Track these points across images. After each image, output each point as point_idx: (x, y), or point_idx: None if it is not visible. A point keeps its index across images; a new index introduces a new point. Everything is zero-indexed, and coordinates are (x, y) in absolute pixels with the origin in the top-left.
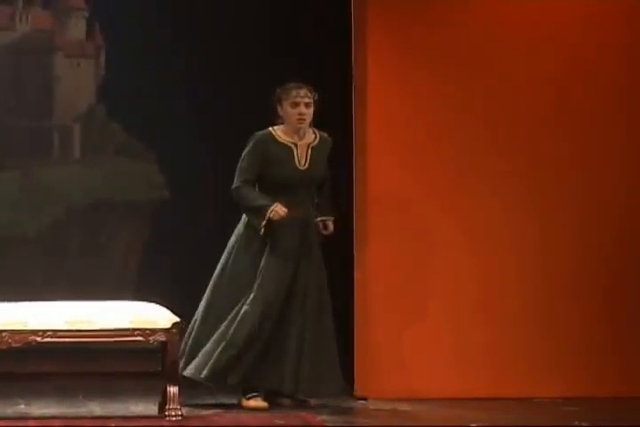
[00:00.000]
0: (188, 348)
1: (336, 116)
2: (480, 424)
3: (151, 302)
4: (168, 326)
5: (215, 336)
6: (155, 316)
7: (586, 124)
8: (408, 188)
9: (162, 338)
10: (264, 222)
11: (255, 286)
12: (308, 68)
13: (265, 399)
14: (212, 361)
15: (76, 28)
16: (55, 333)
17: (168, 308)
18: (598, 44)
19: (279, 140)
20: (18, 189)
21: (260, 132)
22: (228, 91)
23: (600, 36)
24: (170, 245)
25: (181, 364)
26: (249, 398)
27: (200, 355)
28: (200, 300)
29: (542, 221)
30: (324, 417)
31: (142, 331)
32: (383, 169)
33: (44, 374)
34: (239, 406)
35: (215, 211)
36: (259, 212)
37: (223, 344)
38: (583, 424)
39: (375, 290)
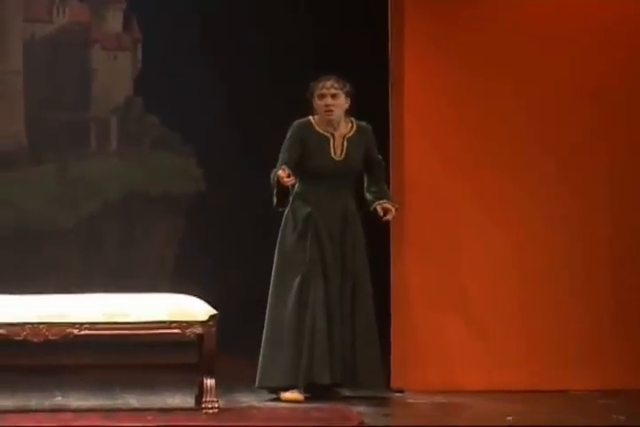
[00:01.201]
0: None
1: (372, 106)
2: (516, 417)
3: (188, 294)
4: (205, 318)
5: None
6: (191, 308)
7: (623, 120)
8: (443, 176)
9: (198, 330)
10: (275, 190)
11: (311, 286)
12: (346, 59)
13: (302, 392)
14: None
15: (113, 20)
16: (92, 325)
17: (204, 300)
18: None
19: (317, 129)
20: (55, 181)
21: (300, 120)
22: (267, 84)
23: None
24: (206, 237)
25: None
26: (286, 390)
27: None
28: (236, 292)
29: (578, 207)
30: (361, 409)
31: (179, 323)
32: (419, 158)
33: (81, 367)
34: (276, 398)
35: (252, 203)
36: (273, 182)
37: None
38: (620, 418)
39: (412, 280)
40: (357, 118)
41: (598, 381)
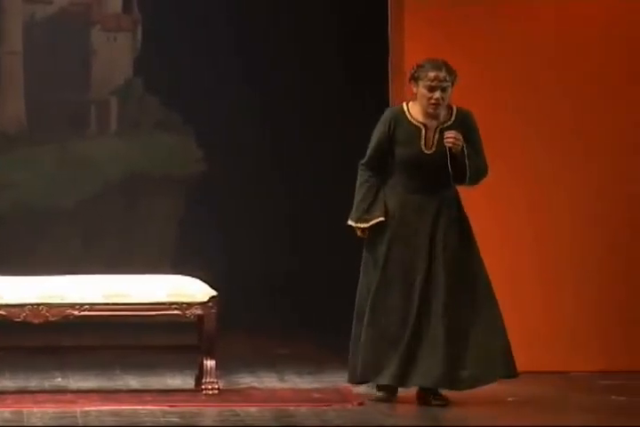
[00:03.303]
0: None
1: (373, 89)
2: (517, 398)
3: (188, 275)
4: (205, 299)
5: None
6: (191, 289)
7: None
8: None
9: (198, 312)
10: (351, 223)
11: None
12: (348, 40)
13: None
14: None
15: (113, 1)
16: (92, 306)
17: (206, 281)
18: None
19: (409, 119)
20: (56, 162)
21: (393, 108)
22: (266, 62)
23: None
24: (207, 218)
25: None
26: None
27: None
28: (237, 272)
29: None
30: (361, 390)
31: (179, 304)
32: None
33: (82, 348)
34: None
35: (252, 184)
36: (354, 212)
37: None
38: (621, 398)
39: None
40: (357, 96)
41: (600, 362)
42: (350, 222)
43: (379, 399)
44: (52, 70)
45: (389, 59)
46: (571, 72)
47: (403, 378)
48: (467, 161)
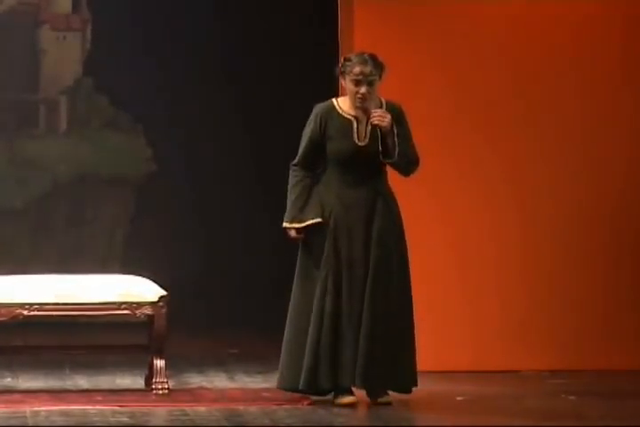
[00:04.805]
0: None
1: (322, 87)
2: (466, 397)
3: (138, 274)
4: (155, 299)
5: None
6: (141, 289)
7: (593, 85)
8: None
9: (148, 311)
10: (286, 224)
11: (325, 278)
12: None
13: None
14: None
15: (63, 1)
16: (42, 306)
17: (154, 281)
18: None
19: (340, 112)
20: (5, 161)
21: (322, 104)
22: (215, 61)
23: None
24: (156, 218)
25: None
26: (337, 396)
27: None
28: (186, 272)
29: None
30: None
31: (129, 304)
32: None
33: (31, 348)
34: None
35: (201, 184)
36: (289, 212)
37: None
38: (570, 397)
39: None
40: (302, 94)
41: (549, 361)
42: (285, 224)
43: (347, 403)
44: (0, 70)
45: (339, 51)
46: (519, 70)
47: (360, 379)
48: (395, 139)
